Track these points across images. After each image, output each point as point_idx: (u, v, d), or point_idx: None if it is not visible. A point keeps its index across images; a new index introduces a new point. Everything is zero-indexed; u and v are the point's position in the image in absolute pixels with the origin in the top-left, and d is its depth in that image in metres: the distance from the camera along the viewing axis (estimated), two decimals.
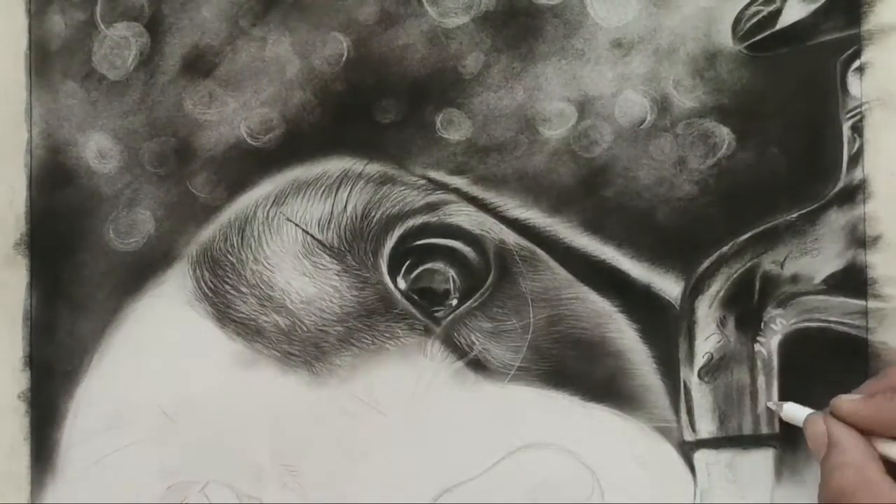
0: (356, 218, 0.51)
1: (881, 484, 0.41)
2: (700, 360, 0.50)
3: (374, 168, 0.51)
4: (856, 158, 0.49)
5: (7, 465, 0.52)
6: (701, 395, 0.50)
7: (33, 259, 0.53)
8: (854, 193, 0.49)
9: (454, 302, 0.50)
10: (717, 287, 0.49)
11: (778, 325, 0.49)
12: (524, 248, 0.50)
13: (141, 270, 0.52)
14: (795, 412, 0.46)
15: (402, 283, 0.51)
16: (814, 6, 0.49)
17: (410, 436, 0.50)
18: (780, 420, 0.49)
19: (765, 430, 0.49)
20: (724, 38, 0.50)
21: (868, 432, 0.43)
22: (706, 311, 0.49)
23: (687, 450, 0.50)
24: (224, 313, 0.51)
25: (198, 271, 0.52)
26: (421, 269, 0.51)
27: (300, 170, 0.52)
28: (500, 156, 0.51)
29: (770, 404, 0.48)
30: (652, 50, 0.50)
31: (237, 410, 0.51)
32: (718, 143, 0.50)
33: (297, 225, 0.51)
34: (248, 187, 0.52)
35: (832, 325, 0.49)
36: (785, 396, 0.49)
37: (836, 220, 0.49)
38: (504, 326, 0.50)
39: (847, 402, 0.44)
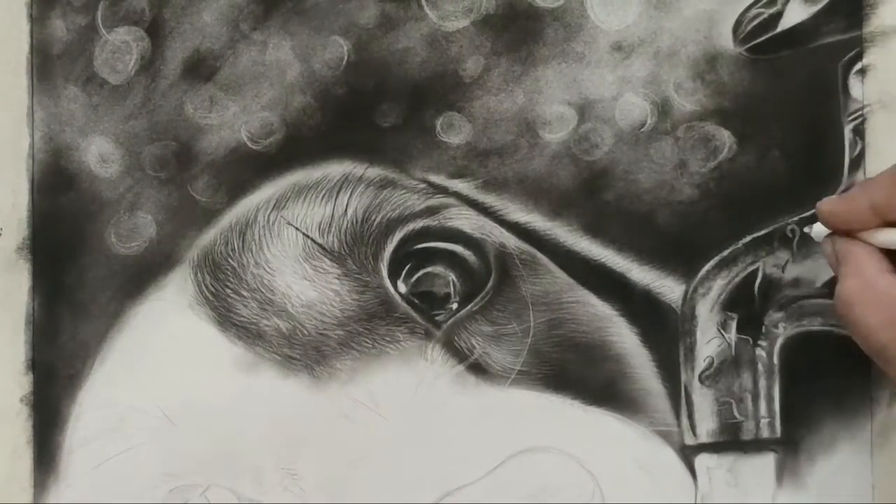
0: (356, 222, 0.51)
1: (878, 282, 0.41)
2: (701, 364, 0.49)
3: (374, 172, 0.51)
4: (857, 161, 0.48)
5: (10, 468, 0.53)
6: (702, 399, 0.49)
7: (35, 263, 0.53)
8: None
9: (454, 306, 0.50)
10: (718, 291, 0.49)
11: (779, 329, 0.49)
12: (524, 251, 0.50)
13: (142, 274, 0.52)
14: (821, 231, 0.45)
15: (402, 287, 0.51)
16: (815, 8, 0.49)
17: (411, 439, 0.50)
18: (782, 424, 0.49)
19: (766, 434, 0.49)
20: (725, 41, 0.49)
21: (856, 228, 0.42)
22: (707, 315, 0.49)
23: (688, 454, 0.50)
24: (225, 317, 0.51)
25: (199, 275, 0.52)
26: (421, 272, 0.51)
27: (301, 174, 0.52)
28: (501, 159, 0.50)
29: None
30: (652, 53, 0.50)
31: (238, 414, 0.51)
32: (719, 147, 0.49)
33: (297, 229, 0.51)
34: (249, 191, 0.52)
35: (834, 329, 0.49)
36: (786, 400, 0.49)
37: None
38: (504, 330, 0.50)
39: (826, 203, 0.43)
